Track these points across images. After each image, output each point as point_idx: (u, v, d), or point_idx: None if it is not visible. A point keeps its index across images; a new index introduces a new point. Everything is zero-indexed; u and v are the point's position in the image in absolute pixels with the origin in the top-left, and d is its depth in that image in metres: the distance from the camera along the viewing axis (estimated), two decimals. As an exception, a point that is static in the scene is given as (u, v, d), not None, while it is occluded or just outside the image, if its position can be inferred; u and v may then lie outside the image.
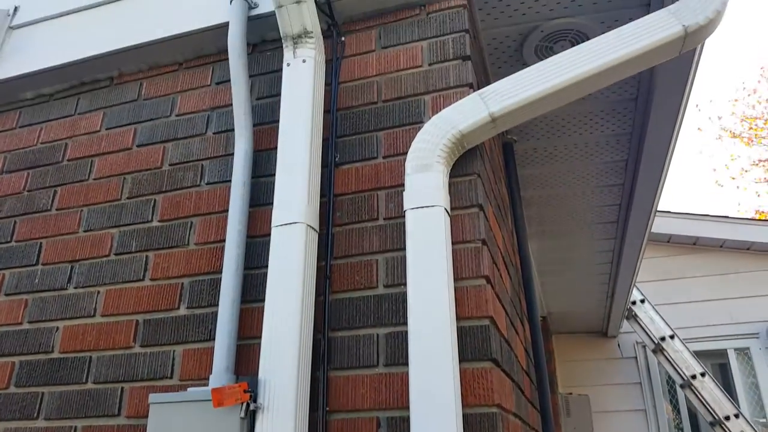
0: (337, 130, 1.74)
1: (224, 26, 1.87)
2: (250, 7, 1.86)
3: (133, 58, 2.07)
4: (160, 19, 2.03)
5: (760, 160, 14.81)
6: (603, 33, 1.97)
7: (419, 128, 1.63)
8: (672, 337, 4.72)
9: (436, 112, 1.64)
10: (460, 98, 1.63)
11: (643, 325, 4.84)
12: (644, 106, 2.34)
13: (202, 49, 2.01)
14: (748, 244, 5.67)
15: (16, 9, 2.33)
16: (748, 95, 16.21)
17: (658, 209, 3.25)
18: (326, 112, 1.75)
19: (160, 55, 2.05)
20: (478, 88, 1.81)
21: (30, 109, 2.24)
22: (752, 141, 14.43)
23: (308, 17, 1.70)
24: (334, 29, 1.87)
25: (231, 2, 1.83)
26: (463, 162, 1.56)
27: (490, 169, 1.81)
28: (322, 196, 1.62)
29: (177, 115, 1.95)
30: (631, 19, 1.93)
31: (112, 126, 2.04)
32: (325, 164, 1.68)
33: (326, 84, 1.79)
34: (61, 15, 2.25)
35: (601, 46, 1.49)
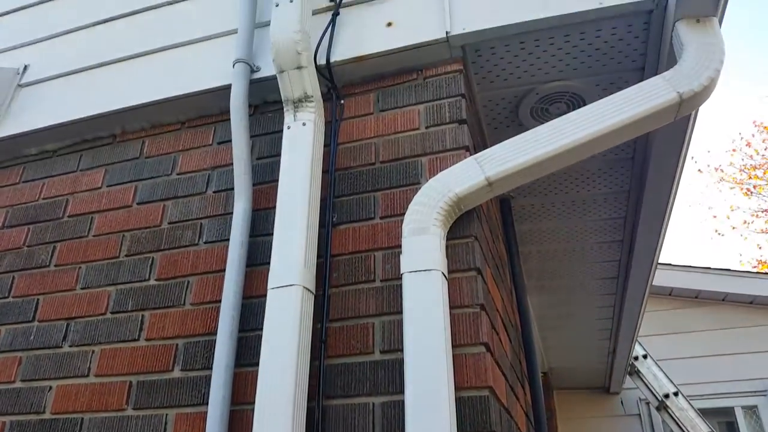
0: (335, 190, 1.75)
1: (227, 88, 1.91)
2: (253, 71, 1.91)
3: (136, 117, 2.11)
4: (164, 80, 2.08)
5: (762, 210, 14.87)
6: (598, 95, 2.02)
7: (416, 189, 1.65)
8: (676, 394, 4.63)
9: (433, 174, 1.66)
10: (457, 161, 1.65)
11: (646, 381, 4.75)
12: (641, 165, 2.37)
13: (204, 110, 2.05)
14: (750, 297, 5.62)
15: (26, 67, 2.39)
16: (746, 145, 16.40)
17: (658, 262, 3.24)
18: (325, 172, 1.77)
19: (162, 114, 2.09)
20: (475, 150, 1.84)
21: (33, 164, 2.27)
22: (751, 192, 14.52)
23: (309, 82, 1.74)
24: (334, 92, 1.91)
25: (234, 66, 1.88)
26: (461, 224, 1.56)
27: (487, 229, 1.82)
28: (319, 256, 1.62)
29: (178, 174, 1.98)
30: (626, 82, 1.97)
31: (113, 183, 2.06)
32: (322, 224, 1.68)
33: (325, 145, 1.82)
34: (68, 74, 2.31)
35: (596, 112, 1.52)
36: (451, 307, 1.42)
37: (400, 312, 1.45)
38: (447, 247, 1.53)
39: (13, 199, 2.21)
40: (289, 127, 1.73)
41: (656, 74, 1.89)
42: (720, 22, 1.64)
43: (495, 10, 1.78)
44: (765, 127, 14.96)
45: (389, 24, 1.88)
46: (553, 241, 2.98)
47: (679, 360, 5.56)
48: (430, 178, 1.66)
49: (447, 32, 1.77)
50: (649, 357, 4.84)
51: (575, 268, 3.23)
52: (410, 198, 1.64)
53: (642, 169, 2.37)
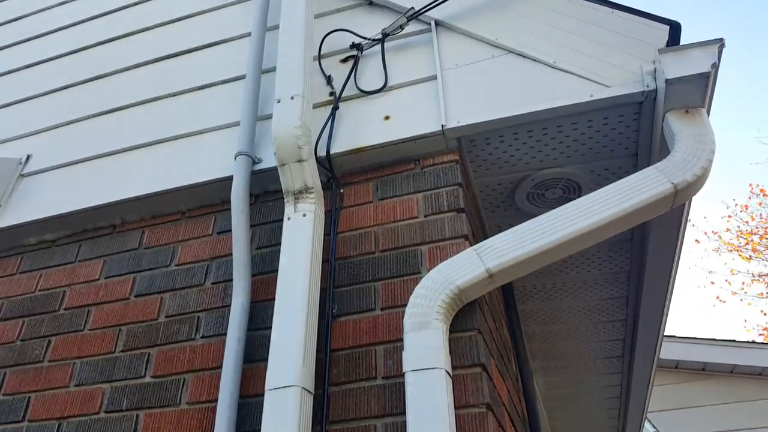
0: (335, 281, 1.74)
1: (228, 179, 1.93)
2: (254, 162, 1.94)
3: (136, 207, 2.12)
4: (165, 171, 2.11)
5: (760, 275, 14.81)
6: (593, 181, 2.06)
7: (417, 279, 1.64)
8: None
9: (433, 263, 1.66)
10: (457, 249, 1.66)
11: (659, 461, 4.56)
12: (640, 246, 2.37)
13: (205, 199, 2.07)
14: (759, 369, 5.50)
15: (28, 157, 2.43)
16: (741, 211, 16.55)
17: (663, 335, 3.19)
18: (325, 261, 1.77)
19: (163, 205, 2.10)
20: (474, 237, 1.84)
21: (32, 254, 2.27)
22: (749, 258, 14.52)
23: (309, 175, 1.76)
24: (334, 182, 1.94)
25: (236, 158, 1.91)
26: (463, 316, 1.54)
27: (491, 319, 1.79)
28: (318, 350, 1.59)
29: (177, 265, 1.97)
30: (619, 168, 2.01)
31: (112, 275, 2.04)
32: (322, 315, 1.66)
33: (326, 234, 1.82)
34: (70, 164, 2.35)
35: (594, 203, 1.53)
36: (456, 407, 1.38)
37: (403, 413, 1.40)
38: (450, 340, 1.50)
39: (9, 290, 2.19)
40: (289, 218, 1.74)
41: (650, 160, 1.93)
42: (708, 111, 1.69)
43: (488, 103, 1.83)
44: (762, 191, 15.12)
45: (387, 117, 1.93)
46: (556, 320, 2.94)
47: (691, 437, 5.38)
48: (430, 267, 1.66)
49: (443, 125, 1.82)
50: (660, 435, 4.68)
51: (580, 347, 3.17)
52: (411, 288, 1.62)
53: (641, 250, 2.37)
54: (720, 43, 1.60)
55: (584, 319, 2.90)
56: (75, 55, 2.77)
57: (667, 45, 1.73)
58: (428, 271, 1.58)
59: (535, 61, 1.86)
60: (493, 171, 2.02)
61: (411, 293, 1.56)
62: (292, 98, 1.82)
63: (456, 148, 1.88)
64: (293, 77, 1.87)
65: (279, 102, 1.84)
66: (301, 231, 1.70)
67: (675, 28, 1.72)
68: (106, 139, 2.35)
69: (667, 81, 1.59)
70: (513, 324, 2.48)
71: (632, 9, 1.81)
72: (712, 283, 19.99)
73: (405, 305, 1.58)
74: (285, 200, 1.78)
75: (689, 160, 1.55)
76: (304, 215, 1.73)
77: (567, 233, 1.51)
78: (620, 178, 1.66)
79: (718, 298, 19.79)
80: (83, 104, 2.53)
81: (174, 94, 2.36)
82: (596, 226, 1.51)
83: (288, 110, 1.80)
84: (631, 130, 1.85)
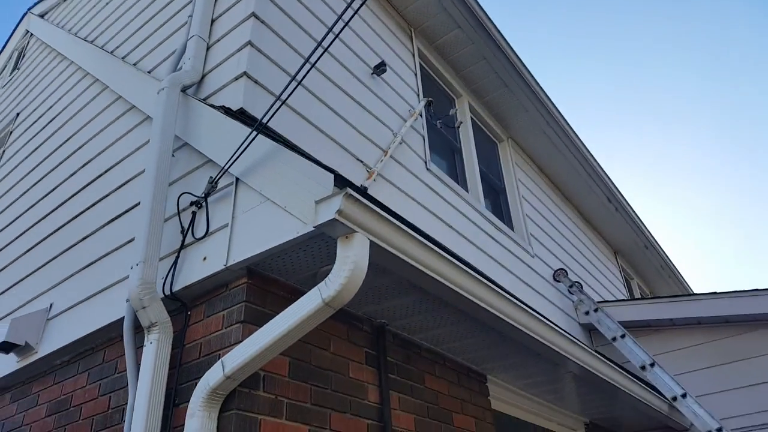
0: (178, 380, 2.70)
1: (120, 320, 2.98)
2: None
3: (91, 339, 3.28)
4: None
5: None
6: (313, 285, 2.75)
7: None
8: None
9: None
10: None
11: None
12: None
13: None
14: None
15: (51, 305, 3.73)
16: None
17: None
18: (172, 367, 2.73)
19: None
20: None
21: (61, 370, 3.54)
22: None
23: (153, 315, 2.74)
24: (184, 308, 2.89)
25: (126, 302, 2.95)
26: (229, 401, 2.42)
27: (262, 396, 2.63)
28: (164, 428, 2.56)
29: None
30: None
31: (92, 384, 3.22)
32: (167, 406, 2.63)
33: (175, 348, 2.78)
34: (72, 306, 3.58)
35: (279, 321, 2.31)
36: (199, 467, 2.28)
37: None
38: (219, 419, 2.39)
39: (50, 396, 3.48)
40: (145, 345, 2.74)
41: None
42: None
43: (257, 240, 2.64)
44: None
45: (204, 258, 2.83)
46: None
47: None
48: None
49: (225, 264, 2.68)
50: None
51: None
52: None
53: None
54: (344, 192, 2.26)
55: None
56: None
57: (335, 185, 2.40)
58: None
59: (277, 206, 2.62)
60: (293, 271, 2.81)
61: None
62: (136, 265, 2.81)
63: (244, 275, 2.72)
64: (138, 249, 2.86)
65: (132, 268, 2.84)
66: (149, 353, 2.69)
67: (337, 177, 2.39)
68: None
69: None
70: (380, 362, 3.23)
71: (315, 161, 2.50)
72: None
73: (207, 394, 2.49)
74: (145, 332, 2.78)
75: (334, 278, 2.25)
76: (151, 342, 2.72)
77: (265, 343, 2.31)
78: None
79: None
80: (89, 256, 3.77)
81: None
82: (279, 337, 2.29)
83: (133, 276, 2.79)
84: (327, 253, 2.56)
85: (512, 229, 6.38)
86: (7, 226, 5.02)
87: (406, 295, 3.06)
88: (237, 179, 2.91)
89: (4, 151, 5.98)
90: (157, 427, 2.53)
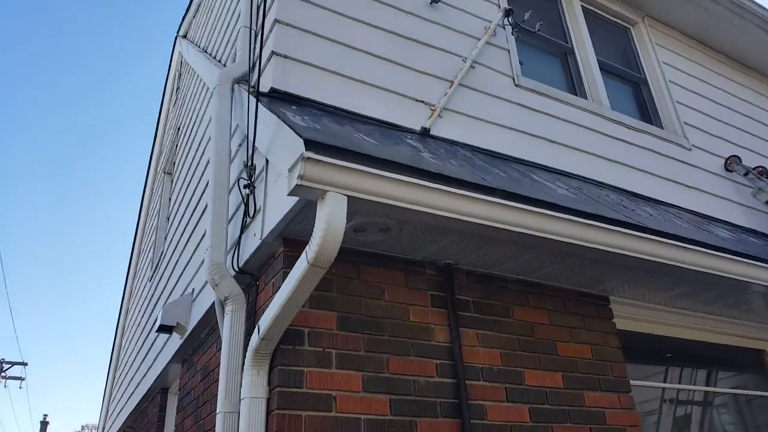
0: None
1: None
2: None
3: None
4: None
5: None
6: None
7: (272, 336, 2.85)
8: None
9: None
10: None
11: None
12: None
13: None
14: None
15: (193, 290, 4.44)
16: None
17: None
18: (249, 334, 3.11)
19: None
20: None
21: (208, 340, 4.24)
22: None
23: (226, 290, 3.12)
24: (252, 278, 3.25)
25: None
26: (279, 356, 2.71)
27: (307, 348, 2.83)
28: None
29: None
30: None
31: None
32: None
33: (250, 316, 3.16)
34: (203, 288, 4.22)
35: (282, 290, 2.49)
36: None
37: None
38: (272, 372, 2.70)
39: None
40: (225, 316, 3.16)
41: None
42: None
43: (275, 213, 2.85)
44: None
45: (255, 234, 3.13)
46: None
47: None
48: (274, 328, 2.84)
49: (261, 237, 2.94)
50: None
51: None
52: (268, 343, 2.85)
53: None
54: (301, 156, 2.30)
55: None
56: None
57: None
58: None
59: (284, 177, 2.77)
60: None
61: (260, 349, 2.80)
62: (206, 250, 3.22)
63: (281, 244, 2.95)
64: (207, 236, 3.26)
65: (204, 252, 3.27)
66: (226, 323, 3.09)
67: (308, 141, 2.44)
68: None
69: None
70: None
71: (296, 128, 2.57)
72: None
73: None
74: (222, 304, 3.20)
75: (314, 238, 2.34)
76: (227, 314, 3.11)
77: (278, 307, 2.51)
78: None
79: None
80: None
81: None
82: (286, 301, 2.47)
83: (206, 260, 3.21)
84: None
85: (659, 125, 5.56)
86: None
87: (443, 236, 3.00)
88: (266, 159, 3.13)
89: (174, 163, 7.10)
90: (237, 385, 2.93)
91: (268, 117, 2.94)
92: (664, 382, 4.53)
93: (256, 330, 2.68)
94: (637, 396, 3.65)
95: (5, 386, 24.61)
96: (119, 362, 9.19)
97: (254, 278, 3.26)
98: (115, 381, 9.24)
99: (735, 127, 6.04)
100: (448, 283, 3.29)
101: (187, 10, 7.88)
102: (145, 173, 9.58)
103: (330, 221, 2.32)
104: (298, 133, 2.50)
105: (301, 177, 2.30)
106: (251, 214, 3.24)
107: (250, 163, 3.21)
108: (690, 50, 6.38)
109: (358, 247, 3.13)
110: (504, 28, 4.82)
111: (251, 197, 3.30)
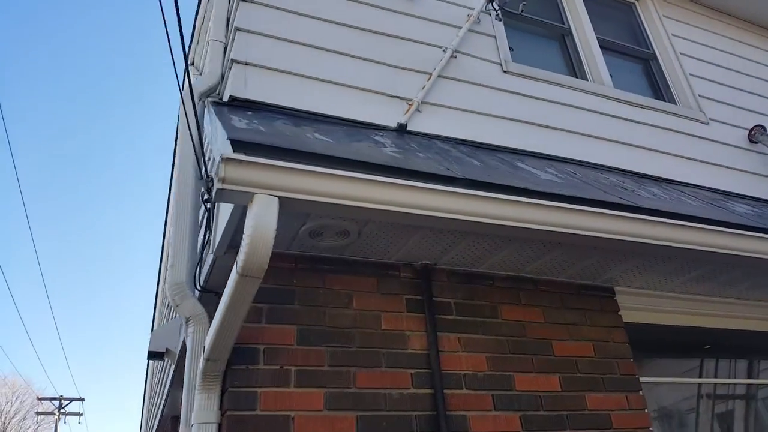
0: (218, 364, 2.90)
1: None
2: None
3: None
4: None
5: None
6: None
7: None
8: None
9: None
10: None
11: None
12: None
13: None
14: None
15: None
16: None
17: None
18: (214, 354, 2.94)
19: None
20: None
21: (200, 363, 4.09)
22: None
23: (187, 311, 2.98)
24: (217, 297, 3.08)
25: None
26: (229, 378, 2.52)
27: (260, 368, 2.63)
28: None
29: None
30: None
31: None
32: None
33: (214, 335, 2.98)
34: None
35: (221, 305, 2.31)
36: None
37: None
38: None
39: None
40: (187, 337, 3.00)
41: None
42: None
43: (222, 225, 2.69)
44: None
45: (211, 250, 2.97)
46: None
47: None
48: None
49: (213, 252, 2.78)
50: None
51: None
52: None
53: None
54: (221, 159, 2.13)
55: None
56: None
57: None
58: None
59: (227, 184, 2.61)
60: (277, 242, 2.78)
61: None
62: (166, 270, 3.10)
63: (233, 258, 2.77)
64: (168, 256, 3.13)
65: (166, 271, 3.13)
66: (188, 345, 2.94)
67: (235, 142, 2.27)
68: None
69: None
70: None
71: (231, 129, 2.40)
72: None
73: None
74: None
75: (242, 245, 2.15)
76: (188, 336, 2.96)
77: (216, 324, 2.33)
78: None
79: None
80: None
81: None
82: (222, 316, 2.28)
83: (168, 278, 3.08)
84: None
85: (671, 101, 5.16)
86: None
87: (409, 234, 2.76)
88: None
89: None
90: (191, 410, 2.75)
91: (216, 125, 2.78)
92: (700, 376, 4.13)
93: (201, 350, 2.50)
94: (656, 394, 3.28)
95: (65, 422, 25.42)
96: (151, 391, 9.24)
97: (219, 296, 3.09)
98: (149, 410, 9.29)
99: (757, 95, 5.55)
100: (425, 285, 3.04)
101: (191, 38, 7.94)
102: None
103: (257, 225, 2.13)
104: (227, 136, 2.34)
105: (222, 180, 2.12)
106: (212, 229, 3.09)
107: (205, 176, 3.06)
108: (700, 18, 5.93)
109: (323, 254, 2.93)
110: (489, 14, 4.56)
111: (212, 211, 3.15)
